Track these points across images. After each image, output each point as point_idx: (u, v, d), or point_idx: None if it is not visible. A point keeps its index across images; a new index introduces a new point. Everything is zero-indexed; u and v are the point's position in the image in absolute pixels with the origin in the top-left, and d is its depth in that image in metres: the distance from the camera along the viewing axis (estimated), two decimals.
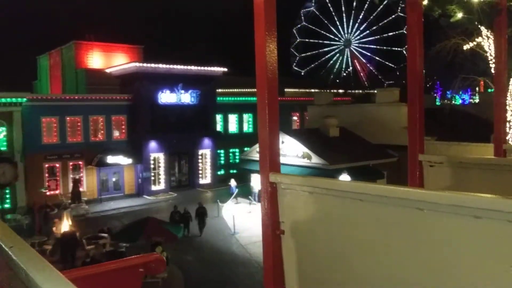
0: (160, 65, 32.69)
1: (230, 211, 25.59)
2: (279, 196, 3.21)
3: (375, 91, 39.51)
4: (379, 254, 2.64)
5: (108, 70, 35.55)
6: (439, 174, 4.82)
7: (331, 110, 30.88)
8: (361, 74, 74.40)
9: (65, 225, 19.71)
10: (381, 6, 66.10)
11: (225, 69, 35.62)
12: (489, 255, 2.14)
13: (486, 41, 18.87)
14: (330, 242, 2.97)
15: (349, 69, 76.36)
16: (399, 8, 63.62)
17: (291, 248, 3.21)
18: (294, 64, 76.81)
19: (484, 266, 2.16)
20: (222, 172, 36.61)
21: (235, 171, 35.12)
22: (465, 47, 19.95)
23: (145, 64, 32.83)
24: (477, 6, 16.45)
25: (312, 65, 76.82)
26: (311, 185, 3.05)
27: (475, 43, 19.58)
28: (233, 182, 29.55)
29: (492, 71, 20.08)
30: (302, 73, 75.37)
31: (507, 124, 19.00)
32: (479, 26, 17.67)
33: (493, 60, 19.97)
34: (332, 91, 51.09)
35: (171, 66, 33.03)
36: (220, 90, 37.65)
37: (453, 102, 49.79)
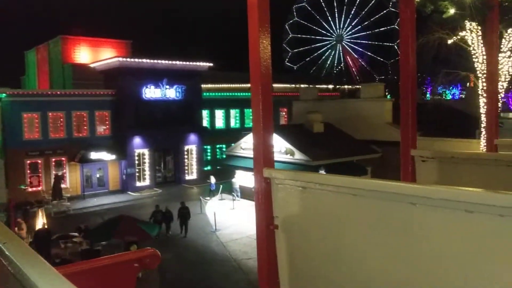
0: (144, 60, 32.24)
1: (213, 208, 25.30)
2: (273, 191, 3.22)
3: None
4: (371, 248, 2.65)
5: (92, 65, 35.07)
6: (431, 169, 4.85)
7: (316, 106, 30.59)
8: (353, 69, 74.11)
9: (40, 222, 19.35)
10: (373, 1, 65.74)
11: (211, 64, 35.21)
12: (481, 249, 2.16)
13: (469, 35, 18.57)
14: (323, 236, 2.98)
15: (341, 65, 76.06)
16: (391, 3, 63.28)
17: (285, 242, 3.22)
18: (287, 60, 76.41)
19: (476, 260, 2.17)
20: (208, 168, 36.28)
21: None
22: (450, 41, 19.67)
23: (128, 59, 32.38)
24: (469, 2, 16.15)
25: (305, 61, 76.44)
26: (305, 180, 3.05)
27: (459, 37, 19.29)
28: (212, 179, 29.21)
29: (475, 65, 19.80)
30: (295, 69, 74.99)
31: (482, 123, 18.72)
32: (470, 22, 17.37)
33: (476, 55, 19.68)
34: (322, 86, 50.76)
35: (155, 61, 32.58)
36: (207, 85, 37.27)
37: (443, 97, 49.62)
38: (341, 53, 75.53)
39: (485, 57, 18.24)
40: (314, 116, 27.19)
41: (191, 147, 34.93)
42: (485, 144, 18.55)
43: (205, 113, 36.61)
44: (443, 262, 2.30)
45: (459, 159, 4.93)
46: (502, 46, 18.20)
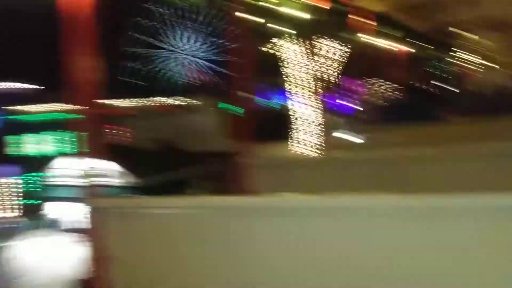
0: None
1: (17, 250, 21.00)
2: (103, 221, 3.10)
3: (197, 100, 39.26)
4: (212, 263, 2.67)
5: None
6: (267, 176, 4.85)
7: (148, 123, 28.92)
8: (196, 83, 75.43)
9: None
10: (204, 14, 67.88)
11: (27, 85, 30.16)
12: (313, 254, 2.32)
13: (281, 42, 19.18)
14: (161, 260, 2.93)
15: (184, 79, 76.79)
16: (224, 16, 66.12)
17: (119, 273, 3.08)
18: (126, 75, 73.70)
19: (308, 264, 2.32)
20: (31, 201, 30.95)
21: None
22: (263, 48, 20.20)
23: None
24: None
25: (145, 77, 74.87)
26: (135, 206, 3.16)
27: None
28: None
29: (282, 70, 21.15)
30: (134, 84, 72.73)
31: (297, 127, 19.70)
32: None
33: (283, 59, 20.98)
34: (161, 100, 49.32)
35: None
36: (16, 107, 31.94)
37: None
38: (183, 68, 76.22)
39: (294, 62, 19.40)
40: (144, 134, 25.34)
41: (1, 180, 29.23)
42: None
43: (12, 139, 31.21)
44: (282, 271, 2.39)
45: (295, 164, 5.08)
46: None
